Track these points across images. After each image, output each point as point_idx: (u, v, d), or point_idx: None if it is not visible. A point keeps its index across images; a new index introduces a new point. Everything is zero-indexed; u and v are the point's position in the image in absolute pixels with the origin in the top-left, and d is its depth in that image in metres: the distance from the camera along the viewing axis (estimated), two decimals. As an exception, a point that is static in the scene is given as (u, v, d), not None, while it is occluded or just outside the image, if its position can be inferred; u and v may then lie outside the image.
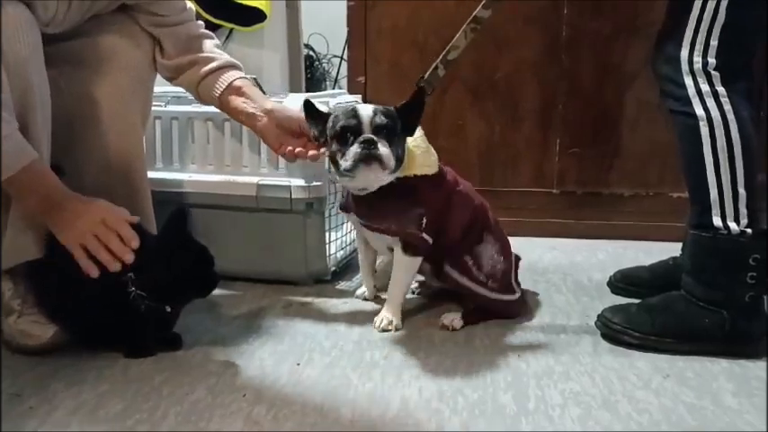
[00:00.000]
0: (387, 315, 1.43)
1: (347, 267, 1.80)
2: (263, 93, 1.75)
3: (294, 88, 2.23)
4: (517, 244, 2.03)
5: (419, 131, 1.42)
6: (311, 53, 2.87)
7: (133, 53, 1.43)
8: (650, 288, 1.50)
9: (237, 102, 1.46)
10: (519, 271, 1.64)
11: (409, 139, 1.39)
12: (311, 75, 2.90)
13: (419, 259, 1.43)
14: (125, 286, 1.20)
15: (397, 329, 1.41)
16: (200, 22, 1.54)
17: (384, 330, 1.41)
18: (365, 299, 1.59)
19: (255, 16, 2.06)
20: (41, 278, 1.26)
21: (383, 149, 1.29)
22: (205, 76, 1.46)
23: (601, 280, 1.69)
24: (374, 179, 1.34)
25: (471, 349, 1.33)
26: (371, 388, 1.17)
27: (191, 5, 1.53)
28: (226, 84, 1.46)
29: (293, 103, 1.59)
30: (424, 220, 1.38)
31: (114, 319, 1.23)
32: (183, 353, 1.30)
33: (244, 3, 2.02)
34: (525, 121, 2.14)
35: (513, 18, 2.07)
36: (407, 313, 1.50)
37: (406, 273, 1.45)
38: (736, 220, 1.27)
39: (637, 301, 1.41)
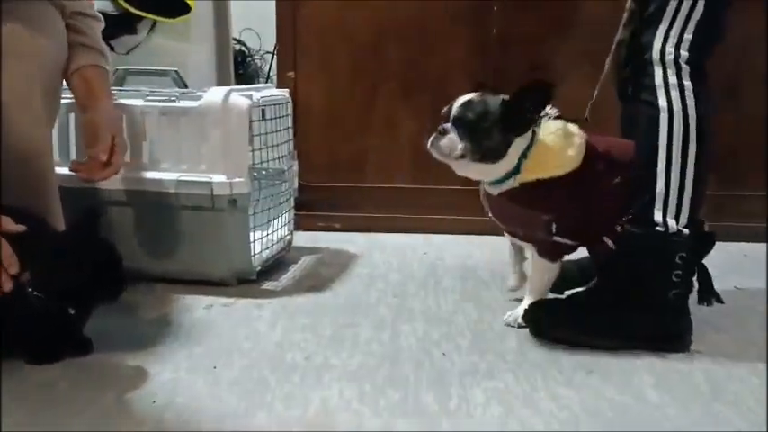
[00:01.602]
0: (516, 312, 1.39)
1: (274, 267, 1.75)
2: (185, 86, 1.70)
3: (222, 83, 2.17)
4: (448, 241, 2.05)
5: (559, 125, 1.32)
6: (243, 49, 2.80)
7: (38, 39, 1.34)
8: (577, 282, 1.49)
9: (79, 88, 1.40)
10: (449, 267, 1.63)
11: (543, 135, 1.31)
12: (244, 71, 2.84)
13: (557, 263, 1.38)
14: (22, 287, 1.12)
15: (519, 326, 1.37)
16: (87, 3, 1.46)
17: (507, 325, 1.39)
18: (510, 289, 1.53)
19: (180, 8, 1.99)
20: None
21: (445, 139, 1.30)
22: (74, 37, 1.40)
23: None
24: (459, 168, 1.34)
25: (396, 348, 1.30)
26: (290, 390, 1.12)
27: None
28: (77, 66, 1.40)
29: (214, 96, 1.54)
30: (554, 226, 1.31)
31: (12, 323, 1.15)
32: (93, 357, 1.23)
33: (167, -7, 1.96)
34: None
35: (443, 16, 2.05)
36: (333, 314, 1.46)
37: (541, 275, 1.38)
38: (676, 218, 1.27)
39: (563, 295, 1.41)
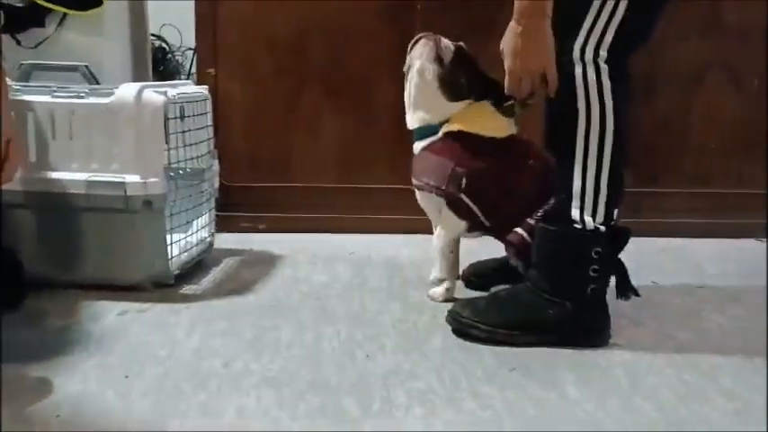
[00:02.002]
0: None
1: (194, 270, 1.69)
2: (97, 83, 1.62)
3: (139, 80, 2.08)
4: (374, 241, 2.02)
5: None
6: (163, 45, 2.71)
7: None
8: (499, 279, 1.50)
9: None
10: (375, 267, 1.63)
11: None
12: (164, 67, 2.75)
13: (463, 222, 1.44)
14: None
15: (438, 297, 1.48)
16: None
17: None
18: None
19: (91, 0, 1.90)
20: None
21: (433, 43, 1.44)
22: None
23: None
24: (419, 92, 1.44)
25: (318, 351, 1.26)
26: (205, 398, 1.08)
27: None
28: None
29: (126, 92, 1.47)
30: (464, 181, 1.38)
31: None
32: (-6, 370, 1.15)
33: (76, -16, 1.86)
34: (380, 117, 2.10)
35: (366, 14, 2.03)
36: (254, 317, 1.42)
37: (448, 230, 1.46)
38: (593, 216, 1.28)
39: (486, 293, 1.41)
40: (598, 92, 1.26)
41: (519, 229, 1.37)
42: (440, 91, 1.43)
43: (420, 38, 1.47)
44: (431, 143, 1.43)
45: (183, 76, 2.74)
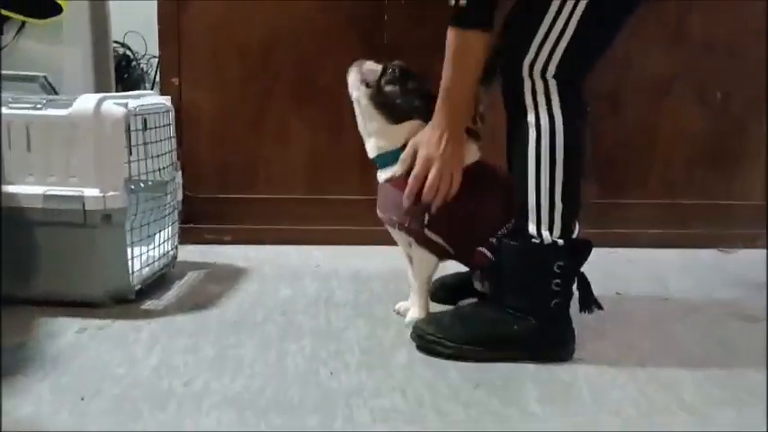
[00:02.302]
0: (410, 312, 1.43)
1: (156, 284, 1.65)
2: (55, 92, 1.59)
3: (101, 89, 2.04)
4: (341, 252, 2.01)
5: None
6: (127, 53, 2.66)
7: None
8: (464, 293, 1.49)
9: None
10: (342, 280, 1.62)
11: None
12: (129, 75, 2.70)
13: (435, 258, 1.41)
14: None
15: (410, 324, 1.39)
16: None
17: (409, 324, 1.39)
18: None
19: (50, 8, 1.86)
20: None
21: (370, 65, 1.44)
22: None
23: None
24: (361, 114, 1.43)
25: (282, 369, 1.24)
26: (163, 420, 1.05)
27: None
28: None
29: (85, 104, 1.44)
30: (426, 217, 1.35)
31: None
32: (-59, 393, 1.11)
33: (34, -8, 1.82)
34: (350, 128, 2.08)
35: (334, 23, 2.02)
36: (217, 333, 1.39)
37: (421, 268, 1.42)
38: (550, 230, 1.28)
39: (450, 308, 1.41)
40: (547, 107, 1.26)
41: (483, 249, 1.36)
42: (379, 115, 1.40)
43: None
44: (392, 176, 1.39)
45: (148, 85, 2.69)
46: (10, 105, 1.45)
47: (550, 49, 1.24)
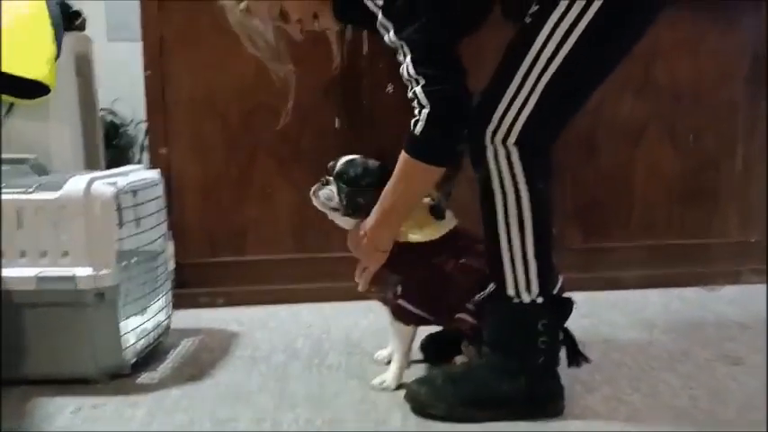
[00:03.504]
0: (384, 376, 1.47)
1: (151, 355, 1.67)
2: (46, 173, 1.63)
3: (91, 164, 2.08)
4: (331, 310, 2.03)
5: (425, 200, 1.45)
6: (115, 120, 2.72)
7: None
8: (455, 350, 1.51)
9: None
10: (334, 341, 1.71)
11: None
12: (118, 141, 2.76)
13: (411, 328, 1.48)
14: None
15: (385, 389, 1.45)
16: None
17: (373, 388, 1.46)
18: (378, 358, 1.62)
19: (38, 89, 1.91)
20: None
21: (325, 190, 1.48)
22: None
23: (416, 343, 1.70)
24: (334, 218, 1.51)
25: (277, 441, 1.26)
26: (162, 504, 1.07)
27: None
28: None
29: (75, 186, 1.47)
30: (399, 288, 1.43)
31: None
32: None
33: (22, 75, 1.87)
34: (333, 187, 2.13)
35: (313, 90, 2.07)
36: (212, 407, 1.41)
37: (399, 338, 1.48)
38: (528, 290, 1.31)
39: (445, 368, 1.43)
40: (510, 172, 1.29)
41: (463, 315, 1.40)
42: (346, 218, 1.49)
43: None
44: None
45: (136, 150, 2.74)
46: (3, 190, 1.48)
47: (513, 118, 1.27)
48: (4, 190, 1.49)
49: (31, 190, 1.48)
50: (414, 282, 1.43)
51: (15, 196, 1.47)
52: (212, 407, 1.41)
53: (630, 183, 2.19)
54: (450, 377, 1.36)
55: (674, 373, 1.54)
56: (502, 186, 1.30)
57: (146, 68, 2.02)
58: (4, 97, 1.89)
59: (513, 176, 1.29)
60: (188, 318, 1.95)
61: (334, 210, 1.49)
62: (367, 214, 1.44)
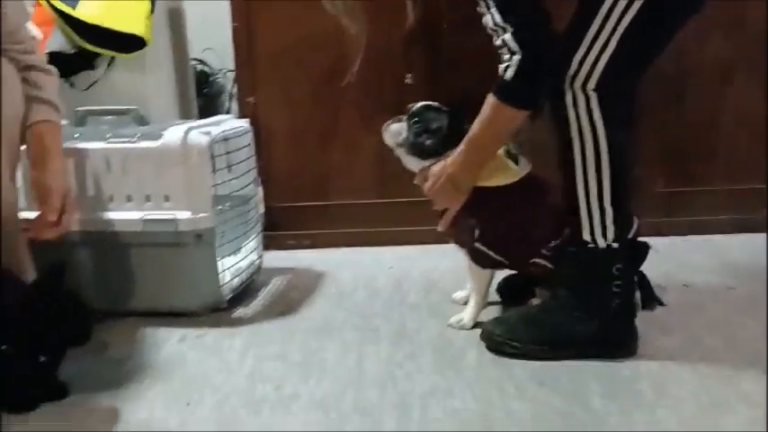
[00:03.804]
0: (461, 315, 1.54)
1: (245, 291, 1.80)
2: (146, 123, 1.75)
3: (184, 112, 2.20)
4: (412, 253, 2.11)
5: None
6: (205, 69, 2.83)
7: None
8: (531, 293, 1.56)
9: (31, 145, 1.43)
10: (414, 282, 1.82)
11: None
12: (208, 90, 2.87)
13: (488, 271, 1.53)
14: None
15: (462, 328, 1.52)
16: (38, 56, 1.49)
17: (450, 326, 1.54)
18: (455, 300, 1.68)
19: (135, 43, 2.03)
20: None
21: (396, 125, 1.56)
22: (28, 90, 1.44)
23: (494, 285, 1.75)
24: (399, 155, 1.59)
25: (361, 373, 1.36)
26: (260, 423, 1.19)
27: (40, 38, 1.47)
28: (31, 121, 1.43)
29: (173, 136, 1.58)
30: (477, 232, 1.48)
31: None
32: (70, 401, 1.28)
33: (121, 30, 1.99)
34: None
35: (397, 38, 2.10)
36: (302, 339, 1.52)
37: (477, 280, 1.54)
38: (604, 236, 1.34)
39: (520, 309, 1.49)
40: (588, 119, 1.30)
41: (539, 260, 1.44)
42: (413, 157, 1.56)
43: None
44: None
45: (225, 98, 2.85)
46: (110, 140, 1.62)
47: (591, 64, 1.28)
48: (111, 139, 1.62)
49: (134, 139, 1.61)
50: (491, 226, 1.47)
51: (121, 145, 1.60)
52: (301, 339, 1.52)
53: (716, 126, 2.13)
54: (524, 317, 1.41)
55: (755, 319, 1.53)
56: (580, 133, 1.32)
57: (233, 20, 2.11)
58: (105, 52, 2.02)
59: (592, 123, 1.31)
60: (277, 258, 2.07)
61: (400, 146, 1.56)
62: (430, 156, 1.51)
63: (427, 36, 2.10)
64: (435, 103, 1.56)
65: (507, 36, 1.29)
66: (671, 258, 1.89)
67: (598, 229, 1.33)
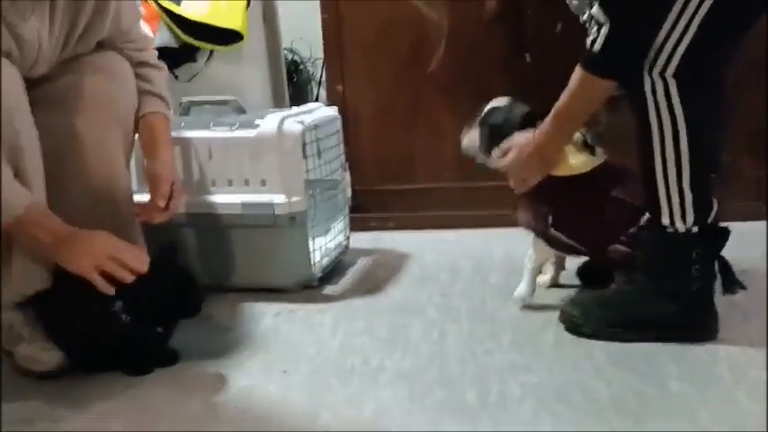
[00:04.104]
0: (519, 288, 1.60)
1: (334, 271, 1.91)
2: (244, 112, 1.87)
3: (277, 100, 2.33)
4: (493, 236, 2.16)
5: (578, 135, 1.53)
6: (295, 58, 2.96)
7: (112, 87, 1.51)
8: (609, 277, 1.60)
9: (143, 134, 1.57)
10: (496, 263, 1.89)
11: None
12: (297, 78, 3.00)
13: (552, 250, 1.59)
14: (117, 314, 1.32)
15: (519, 299, 1.59)
16: (150, 53, 1.63)
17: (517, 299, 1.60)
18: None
19: (233, 37, 2.16)
20: (49, 307, 1.38)
21: (470, 133, 1.64)
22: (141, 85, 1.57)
23: (573, 268, 1.79)
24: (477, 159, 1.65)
25: (443, 347, 1.44)
26: (350, 392, 1.29)
27: (152, 36, 1.61)
28: (143, 112, 1.56)
29: (269, 125, 1.70)
30: (551, 219, 1.53)
31: (110, 343, 1.36)
32: (179, 367, 1.41)
33: (221, 26, 2.12)
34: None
35: (480, 21, 2.16)
36: (388, 316, 1.62)
37: (538, 254, 1.59)
38: (683, 219, 1.36)
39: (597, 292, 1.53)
40: (668, 105, 1.32)
41: (617, 246, 1.47)
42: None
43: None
44: None
45: (314, 85, 2.98)
46: (211, 128, 1.75)
47: (671, 50, 1.29)
48: (213, 128, 1.76)
49: (234, 128, 1.74)
50: (565, 213, 1.51)
51: (222, 134, 1.74)
52: (387, 316, 1.62)
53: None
54: (600, 300, 1.45)
55: (842, 306, 1.52)
56: (659, 119, 1.33)
57: (323, 12, 2.21)
58: (206, 45, 2.17)
59: (671, 109, 1.32)
60: (363, 239, 2.17)
61: (477, 154, 1.61)
62: None
63: (509, 19, 2.14)
64: (504, 102, 1.60)
65: (595, 9, 1.32)
66: (758, 244, 1.86)
67: (677, 214, 1.35)
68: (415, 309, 1.65)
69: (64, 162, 1.46)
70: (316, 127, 1.80)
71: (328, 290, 1.81)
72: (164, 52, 2.09)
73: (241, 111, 1.88)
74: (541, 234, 1.56)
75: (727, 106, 1.41)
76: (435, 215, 2.27)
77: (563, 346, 1.41)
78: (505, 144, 1.55)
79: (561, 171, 1.52)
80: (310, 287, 1.80)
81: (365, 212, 2.29)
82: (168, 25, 2.13)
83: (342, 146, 1.96)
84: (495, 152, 1.58)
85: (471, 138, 1.61)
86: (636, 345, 1.38)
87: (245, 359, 1.44)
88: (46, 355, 1.38)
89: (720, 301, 1.41)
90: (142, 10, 1.75)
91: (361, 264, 2.00)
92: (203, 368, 1.41)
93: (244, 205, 1.72)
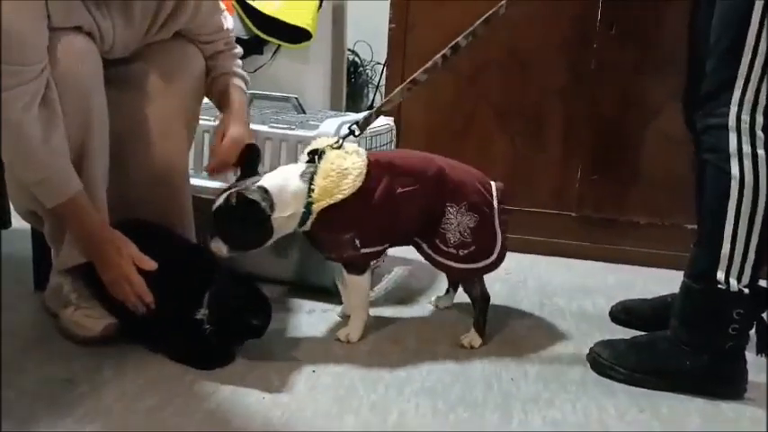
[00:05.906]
0: (346, 329, 1.56)
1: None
2: (303, 111, 1.91)
3: (334, 101, 2.37)
4: (530, 261, 2.17)
5: (333, 155, 1.50)
6: (356, 59, 3.00)
7: (183, 76, 1.57)
8: (647, 323, 1.60)
9: (221, 97, 1.62)
10: (529, 291, 1.79)
11: (320, 171, 1.48)
12: (355, 80, 3.05)
13: (367, 275, 1.57)
14: (200, 323, 1.38)
15: (349, 341, 1.54)
16: (225, 38, 1.67)
17: (338, 340, 1.55)
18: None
19: (302, 35, 2.21)
20: (97, 276, 1.44)
21: (213, 244, 1.45)
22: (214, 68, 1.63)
23: (604, 307, 1.79)
24: None
25: (470, 369, 1.47)
26: (375, 399, 1.32)
27: (229, 27, 1.66)
28: (220, 72, 1.63)
29: (328, 128, 1.74)
30: (357, 241, 1.50)
31: (182, 343, 1.41)
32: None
33: (291, 22, 2.17)
34: (548, 145, 2.25)
35: (543, 47, 2.17)
36: (418, 328, 1.65)
37: (357, 292, 1.58)
38: (738, 279, 1.35)
39: (632, 334, 1.54)
40: (752, 163, 1.32)
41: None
42: None
43: None
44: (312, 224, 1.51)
45: (371, 89, 3.02)
46: (272, 124, 1.80)
47: (754, 97, 1.29)
48: (272, 124, 1.80)
49: (294, 127, 1.78)
50: (367, 229, 1.50)
51: (282, 131, 1.78)
52: (416, 327, 1.65)
53: None
54: (634, 345, 1.46)
55: None
56: (741, 175, 1.32)
57: (390, 21, 2.24)
58: (275, 41, 2.22)
59: (756, 167, 1.31)
60: (400, 249, 2.19)
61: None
62: (263, 240, 1.48)
63: (578, 44, 2.17)
64: (226, 194, 1.43)
65: None
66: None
67: (735, 272, 1.35)
68: (444, 324, 1.68)
69: (128, 144, 1.51)
70: (372, 135, 1.84)
71: (362, 294, 1.85)
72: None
73: (300, 109, 1.93)
74: (353, 259, 1.54)
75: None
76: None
77: (588, 385, 1.42)
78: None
79: (341, 196, 1.46)
80: (345, 288, 1.83)
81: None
82: (241, 16, 2.19)
83: (393, 155, 1.99)
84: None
85: (216, 247, 1.44)
86: (661, 393, 1.39)
87: (276, 354, 1.47)
88: (90, 322, 1.43)
89: (754, 361, 1.41)
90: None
91: (397, 272, 2.03)
92: (236, 359, 1.45)
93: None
